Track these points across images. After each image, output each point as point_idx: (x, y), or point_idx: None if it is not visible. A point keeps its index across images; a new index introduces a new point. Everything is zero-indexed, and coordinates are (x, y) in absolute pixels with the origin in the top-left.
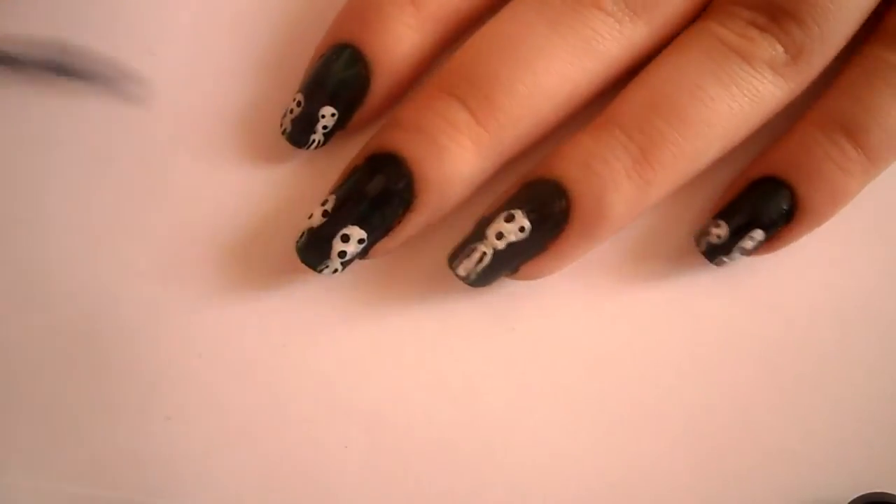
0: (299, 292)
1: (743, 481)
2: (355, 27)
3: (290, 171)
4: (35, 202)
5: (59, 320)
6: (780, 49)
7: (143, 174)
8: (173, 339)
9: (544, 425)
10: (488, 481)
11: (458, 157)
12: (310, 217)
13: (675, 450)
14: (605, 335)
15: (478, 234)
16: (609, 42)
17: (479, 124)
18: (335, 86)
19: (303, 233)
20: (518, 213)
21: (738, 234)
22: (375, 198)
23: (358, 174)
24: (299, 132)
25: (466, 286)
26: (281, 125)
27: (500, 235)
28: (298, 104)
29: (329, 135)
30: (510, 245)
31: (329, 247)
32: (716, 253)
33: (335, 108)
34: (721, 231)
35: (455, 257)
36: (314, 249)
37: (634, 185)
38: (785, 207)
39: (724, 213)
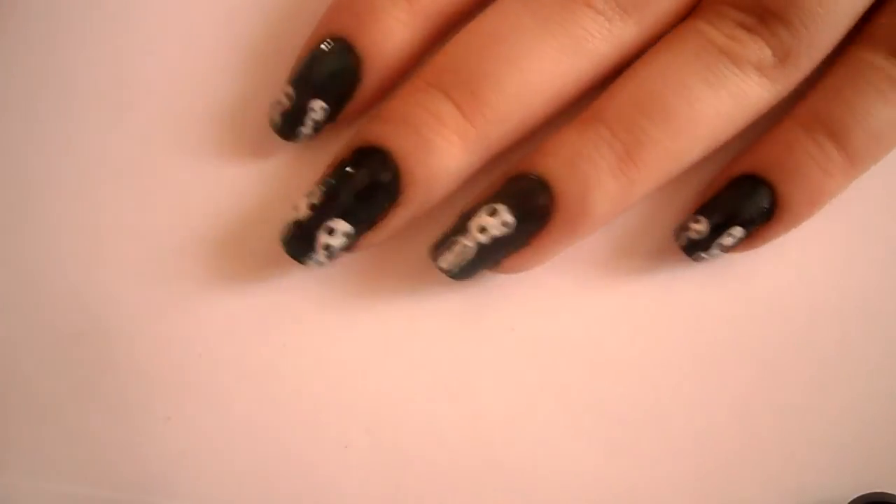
0: (300, 292)
1: (743, 481)
2: (347, 20)
3: (283, 165)
4: (34, 202)
5: (59, 320)
6: (767, 51)
7: (143, 174)
8: (173, 339)
9: (544, 425)
10: (488, 481)
11: (444, 151)
12: (295, 209)
13: (675, 449)
14: (605, 335)
15: (460, 228)
16: (598, 40)
17: (466, 119)
18: (326, 79)
19: (288, 224)
20: (501, 208)
21: (717, 230)
22: (361, 191)
23: (344, 167)
24: (289, 125)
25: (465, 284)
26: (269, 116)
27: (482, 229)
28: (288, 97)
29: (318, 128)
30: (493, 239)
31: (314, 239)
32: (694, 248)
33: (325, 101)
34: (700, 227)
35: (437, 249)
36: (299, 242)
37: (618, 184)
38: (765, 205)
39: (704, 209)
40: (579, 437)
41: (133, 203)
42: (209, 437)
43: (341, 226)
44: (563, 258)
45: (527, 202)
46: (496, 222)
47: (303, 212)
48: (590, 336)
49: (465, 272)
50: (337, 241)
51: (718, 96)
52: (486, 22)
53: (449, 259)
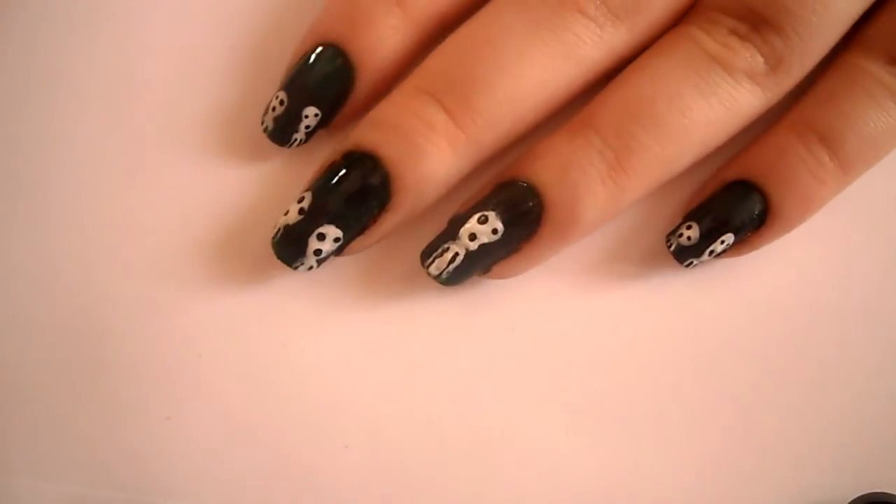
0: (300, 292)
1: (743, 481)
2: (340, 27)
3: (283, 165)
4: (33, 203)
5: (59, 321)
6: (759, 59)
7: (142, 175)
8: (173, 339)
9: (544, 425)
10: (488, 481)
11: (434, 157)
12: (286, 214)
13: (675, 450)
14: (605, 335)
15: (450, 234)
16: (590, 47)
17: (457, 126)
18: (319, 86)
19: (279, 228)
20: (491, 215)
21: (708, 236)
22: (351, 197)
23: (334, 172)
24: (282, 131)
25: (465, 284)
26: (262, 122)
27: (472, 237)
28: (281, 102)
29: (311, 133)
30: (482, 246)
31: (305, 245)
32: (685, 255)
33: (318, 108)
34: (692, 233)
35: (428, 256)
36: (290, 246)
37: (608, 191)
38: (756, 212)
39: (695, 215)
40: (580, 437)
41: (133, 203)
42: (209, 437)
43: (332, 231)
44: (565, 258)
45: (517, 209)
46: (486, 229)
47: (293, 217)
48: (591, 336)
49: (454, 278)
50: (327, 247)
51: (710, 104)
52: (477, 27)
53: (439, 265)
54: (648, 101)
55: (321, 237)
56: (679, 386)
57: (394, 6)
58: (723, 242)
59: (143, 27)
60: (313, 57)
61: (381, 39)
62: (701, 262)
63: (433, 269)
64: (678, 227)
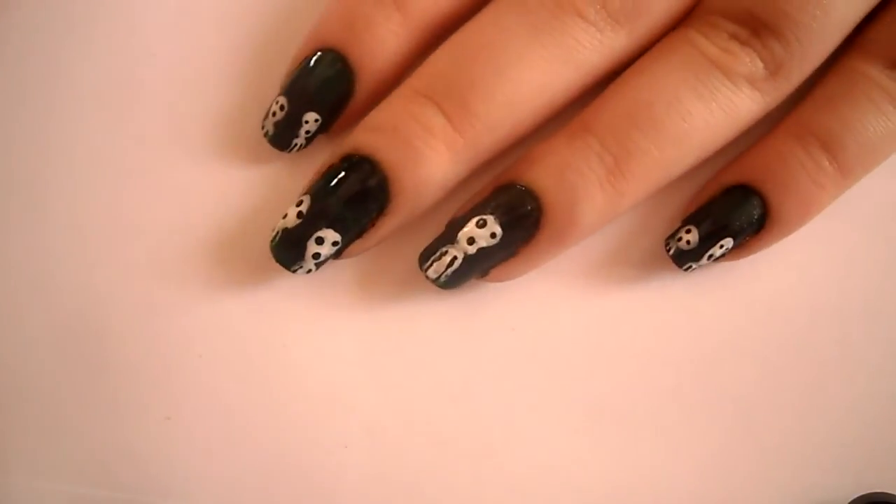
0: (300, 292)
1: (743, 481)
2: (340, 32)
3: (283, 165)
4: (33, 204)
5: (59, 320)
6: (759, 64)
7: (143, 175)
8: (173, 339)
9: (544, 425)
10: (488, 481)
11: (432, 161)
12: (284, 217)
13: (675, 450)
14: (605, 335)
15: (449, 237)
16: (589, 51)
17: (455, 130)
18: (319, 91)
19: (277, 232)
20: (490, 219)
21: (707, 240)
22: (350, 200)
23: (332, 175)
24: (283, 136)
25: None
26: (262, 127)
27: (471, 241)
28: (282, 108)
29: (311, 138)
30: (481, 250)
31: (304, 248)
32: (684, 259)
33: (318, 113)
34: (691, 237)
35: (426, 259)
36: (289, 250)
37: (606, 195)
38: (756, 216)
39: (694, 219)
40: (580, 438)
41: (132, 205)
42: (208, 438)
43: (330, 235)
44: (564, 259)
45: (515, 213)
46: (485, 233)
47: (291, 220)
48: (591, 336)
49: (453, 282)
50: (325, 250)
51: (709, 109)
52: (476, 30)
53: (438, 269)
54: (647, 106)
55: (320, 241)
56: (679, 386)
57: (393, 11)
58: (722, 247)
59: (144, 29)
60: (313, 61)
61: (380, 44)
62: (700, 266)
63: (431, 273)
64: (677, 230)
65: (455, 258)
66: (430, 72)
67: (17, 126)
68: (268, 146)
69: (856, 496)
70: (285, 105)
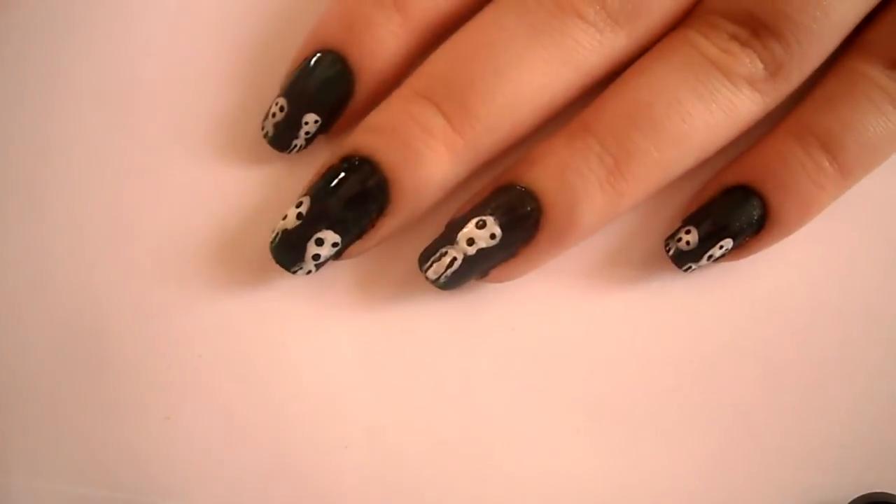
0: (300, 292)
1: (743, 482)
2: (340, 33)
3: (284, 165)
4: (33, 204)
5: (59, 320)
6: (759, 65)
7: (142, 175)
8: (173, 339)
9: (544, 425)
10: (488, 481)
11: (432, 163)
12: (284, 218)
13: (675, 450)
14: (605, 335)
15: (448, 238)
16: (589, 52)
17: (455, 131)
18: (319, 92)
19: (277, 233)
20: (489, 220)
21: (707, 241)
22: (349, 202)
23: (332, 176)
24: (283, 137)
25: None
26: (262, 127)
27: (471, 241)
28: (281, 109)
29: (311, 139)
30: (481, 251)
31: (303, 250)
32: (684, 259)
33: (318, 114)
34: (690, 237)
35: (426, 260)
36: (289, 251)
37: (606, 196)
38: (755, 217)
39: (694, 219)
40: (580, 437)
41: (132, 205)
42: (208, 438)
43: (330, 236)
44: (564, 259)
45: (515, 214)
46: (485, 234)
47: (291, 221)
48: (591, 336)
49: (452, 283)
50: (325, 251)
51: (709, 110)
52: (476, 30)
53: (437, 270)
54: (647, 106)
55: (319, 242)
56: (679, 387)
57: (393, 12)
58: (721, 247)
59: (144, 29)
60: (313, 62)
61: (380, 45)
62: (699, 266)
63: (431, 274)
64: (677, 231)
65: (455, 259)
66: (429, 72)
67: (16, 126)
68: (267, 147)
69: (856, 496)
70: (285, 106)
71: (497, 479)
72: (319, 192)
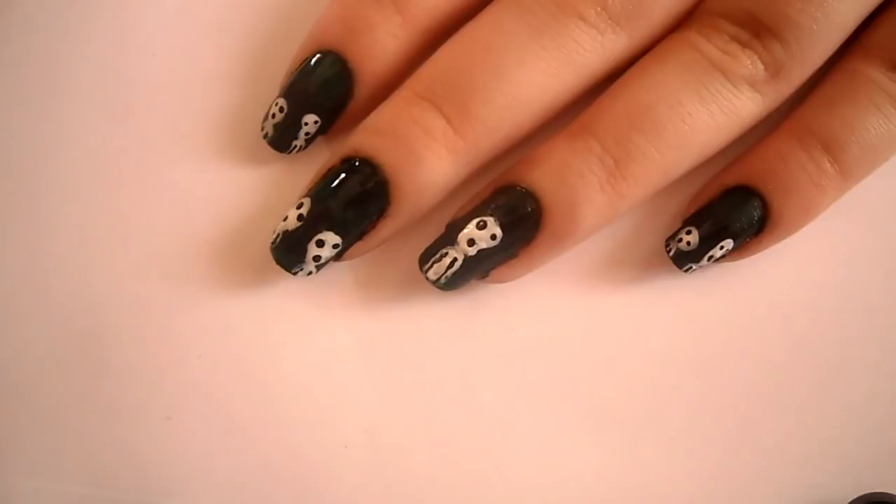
0: (300, 294)
1: (744, 481)
2: (340, 34)
3: (284, 165)
4: (34, 204)
5: (59, 321)
6: (760, 66)
7: (142, 175)
8: (173, 339)
9: (544, 425)
10: (488, 481)
11: (433, 164)
12: (285, 219)
13: (675, 450)
14: (605, 335)
15: (449, 239)
16: (589, 53)
17: (456, 133)
18: (319, 93)
19: (278, 234)
20: (490, 221)
21: (707, 242)
22: (350, 203)
23: (333, 177)
24: (282, 138)
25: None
26: (262, 128)
27: (471, 242)
28: (281, 109)
29: (311, 140)
30: (481, 252)
31: (304, 251)
32: (684, 260)
33: (318, 115)
34: (691, 238)
35: (426, 260)
36: (289, 252)
37: (607, 198)
38: (756, 217)
39: (694, 220)
40: (580, 438)
41: (132, 205)
42: (209, 438)
43: (330, 237)
44: (564, 259)
45: (515, 215)
46: (485, 235)
47: (292, 223)
48: (591, 336)
49: (452, 283)
50: (326, 253)
51: (710, 111)
52: (476, 31)
53: (438, 271)
54: (648, 108)
55: (320, 243)
56: (680, 387)
57: (393, 12)
58: (722, 248)
59: (144, 29)
60: (313, 63)
61: (380, 46)
62: (700, 267)
63: (431, 274)
64: (677, 231)
65: (455, 260)
66: (430, 74)
67: (17, 126)
68: (267, 147)
69: (856, 496)
70: (285, 107)
71: (497, 479)
72: (320, 194)
